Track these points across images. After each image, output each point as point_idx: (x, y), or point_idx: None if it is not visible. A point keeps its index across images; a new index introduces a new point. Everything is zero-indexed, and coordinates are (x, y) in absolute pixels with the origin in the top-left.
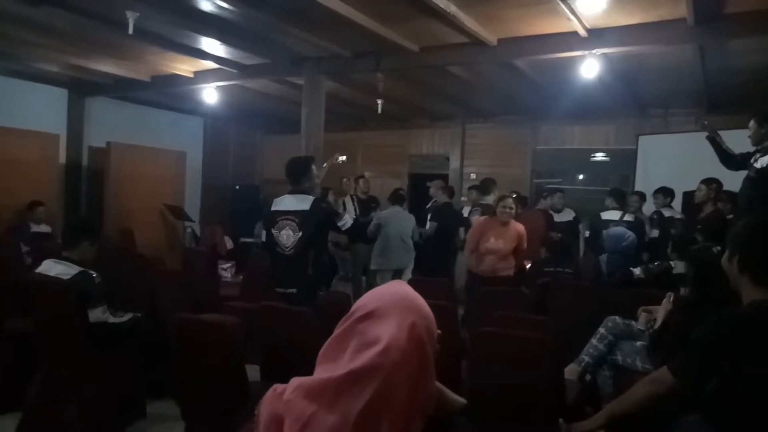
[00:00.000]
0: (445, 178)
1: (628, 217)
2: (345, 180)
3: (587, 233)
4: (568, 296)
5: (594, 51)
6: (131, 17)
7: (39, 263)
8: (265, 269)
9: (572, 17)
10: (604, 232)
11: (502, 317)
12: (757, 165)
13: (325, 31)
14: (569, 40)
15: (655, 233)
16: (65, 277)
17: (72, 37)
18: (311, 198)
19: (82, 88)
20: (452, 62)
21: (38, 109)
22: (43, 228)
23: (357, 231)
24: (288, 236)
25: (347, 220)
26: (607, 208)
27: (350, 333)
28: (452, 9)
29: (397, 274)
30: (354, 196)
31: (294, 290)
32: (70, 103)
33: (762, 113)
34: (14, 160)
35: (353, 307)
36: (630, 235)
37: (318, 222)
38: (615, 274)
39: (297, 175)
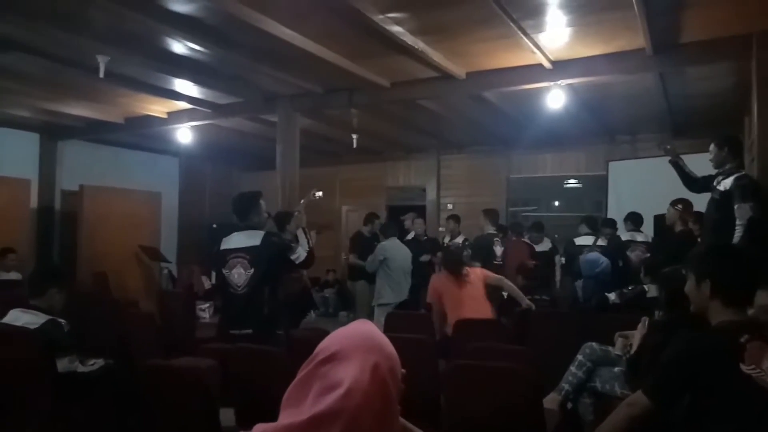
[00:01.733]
0: (422, 209)
1: (601, 242)
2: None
3: (563, 260)
4: (547, 324)
5: (559, 82)
6: (102, 61)
7: (5, 313)
8: None
9: (536, 50)
10: (580, 257)
11: (479, 348)
12: (721, 188)
13: (297, 70)
14: (535, 72)
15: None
16: (33, 327)
17: (43, 81)
18: (261, 233)
19: (54, 132)
20: (423, 96)
21: (9, 154)
22: (13, 275)
23: (310, 263)
24: (239, 274)
25: (300, 253)
26: (580, 234)
27: (312, 376)
28: (420, 45)
29: (399, 307)
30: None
31: (249, 330)
32: (41, 148)
33: (721, 137)
34: None
35: (316, 349)
36: (604, 260)
37: (270, 257)
38: (591, 299)
39: (245, 211)
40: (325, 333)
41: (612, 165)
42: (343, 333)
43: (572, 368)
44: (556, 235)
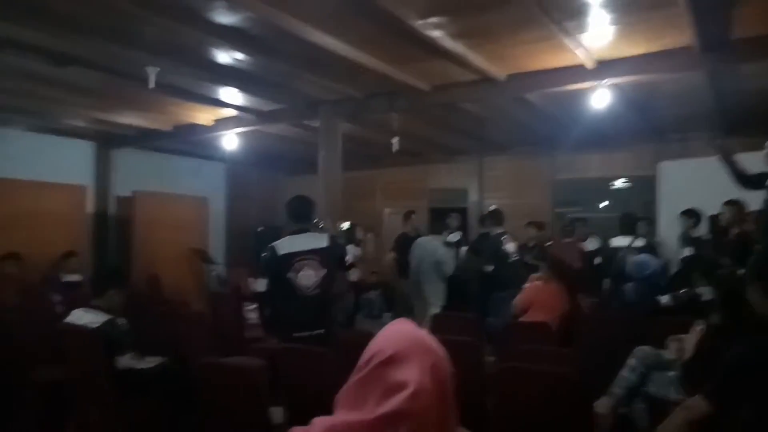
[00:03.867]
0: (464, 211)
1: (638, 242)
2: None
3: (598, 260)
4: (595, 327)
5: (603, 82)
6: (152, 72)
7: (70, 312)
8: None
9: (579, 51)
10: (629, 259)
11: (527, 351)
12: None
13: (338, 76)
14: (578, 72)
15: (688, 251)
16: (94, 326)
17: (97, 93)
18: (325, 235)
19: (108, 141)
20: (464, 99)
21: (67, 162)
22: (75, 277)
23: (351, 266)
24: (308, 276)
25: (350, 257)
26: (618, 235)
27: (372, 378)
28: (460, 49)
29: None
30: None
31: (322, 330)
32: (97, 155)
33: None
34: (45, 213)
35: (370, 351)
36: (654, 262)
37: (337, 258)
38: (641, 302)
39: (307, 214)
40: (371, 335)
41: (661, 165)
42: (394, 334)
43: (624, 372)
44: (596, 237)
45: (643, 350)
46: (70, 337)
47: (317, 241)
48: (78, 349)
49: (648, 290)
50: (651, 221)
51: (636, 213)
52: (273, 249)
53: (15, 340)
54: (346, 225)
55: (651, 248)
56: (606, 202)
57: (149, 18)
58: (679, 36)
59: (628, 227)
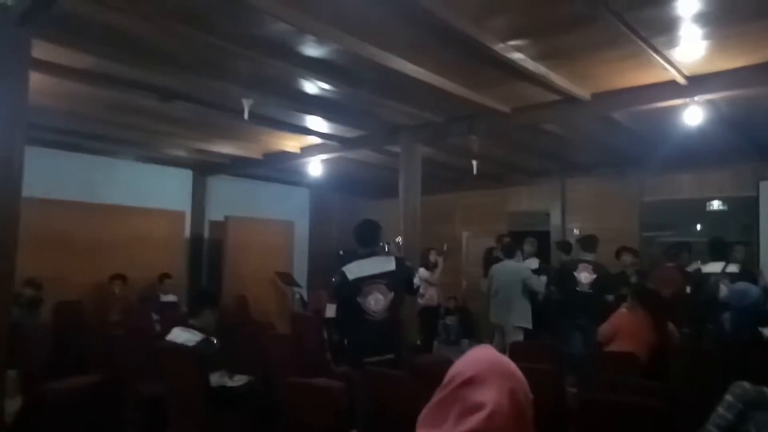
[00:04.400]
0: (546, 234)
1: (731, 268)
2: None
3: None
4: (688, 359)
5: (696, 98)
6: (246, 104)
7: (167, 331)
8: None
9: (669, 67)
10: (730, 287)
11: (613, 383)
12: None
13: (419, 101)
14: (668, 89)
15: None
16: (190, 344)
17: (197, 124)
18: (392, 258)
19: (204, 168)
20: (546, 120)
21: (168, 189)
22: (170, 298)
23: (419, 290)
24: (377, 300)
25: (417, 280)
26: (708, 261)
27: (452, 398)
28: (541, 70)
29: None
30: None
31: (392, 355)
32: (194, 182)
33: None
34: (147, 237)
35: (450, 374)
36: (755, 290)
37: (404, 281)
38: (741, 333)
39: (374, 238)
40: (449, 360)
41: (764, 185)
42: (475, 358)
43: (720, 410)
44: (699, 261)
45: (743, 386)
46: (170, 354)
47: (385, 264)
48: (176, 366)
49: (748, 321)
50: (748, 245)
51: (733, 238)
52: (343, 274)
53: (118, 355)
54: (398, 239)
55: (748, 274)
56: (700, 226)
57: (244, 54)
58: None
59: (718, 252)
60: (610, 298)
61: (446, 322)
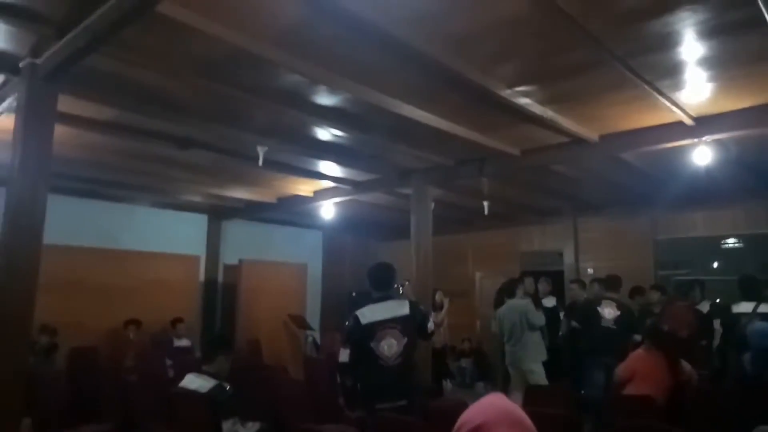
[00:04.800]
0: (559, 274)
1: (763, 308)
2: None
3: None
4: (708, 401)
5: (704, 138)
6: (261, 151)
7: (180, 376)
8: None
9: (675, 109)
10: (748, 327)
11: (629, 427)
12: None
13: (429, 145)
14: (675, 130)
15: None
16: (203, 390)
17: (212, 171)
18: (406, 302)
19: (219, 213)
20: (555, 162)
21: (184, 234)
22: (184, 342)
23: (433, 335)
24: (391, 345)
25: (431, 324)
26: (740, 300)
27: None
28: (549, 114)
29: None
30: None
31: (404, 402)
32: (209, 227)
33: None
34: (162, 281)
35: (459, 422)
36: None
37: (419, 325)
38: (762, 374)
39: (389, 281)
40: (463, 404)
41: None
42: (484, 405)
43: None
44: (718, 300)
45: (764, 430)
46: (183, 400)
47: (399, 308)
48: (189, 412)
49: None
50: None
51: (756, 275)
52: (356, 318)
53: (132, 402)
54: (407, 282)
55: None
56: (717, 264)
57: (260, 103)
58: None
59: (750, 291)
60: (638, 337)
61: (461, 365)
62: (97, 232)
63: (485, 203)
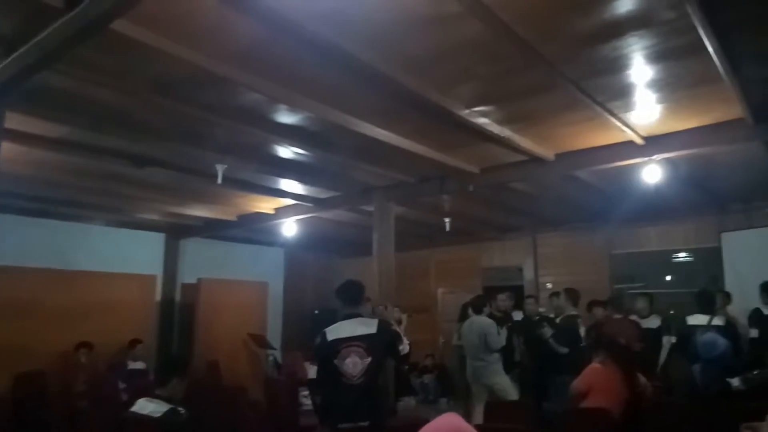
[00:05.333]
0: (519, 288)
1: (717, 321)
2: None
3: (673, 340)
4: (659, 413)
5: (654, 157)
6: (220, 169)
7: (134, 400)
8: None
9: (626, 129)
10: (697, 339)
11: None
12: None
13: (391, 163)
14: (627, 148)
15: (754, 333)
16: (156, 415)
17: (170, 189)
18: (375, 321)
19: (177, 231)
20: (513, 179)
21: (140, 253)
22: (139, 365)
23: (408, 357)
24: (355, 364)
25: (405, 345)
26: (694, 312)
27: None
28: (507, 133)
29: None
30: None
31: (366, 423)
32: (166, 246)
33: None
34: (116, 302)
35: None
36: (722, 342)
37: (386, 346)
38: (710, 385)
39: (357, 299)
40: (424, 420)
41: (725, 236)
42: (436, 427)
43: None
44: (672, 312)
45: None
46: (134, 426)
47: (366, 327)
48: None
49: (717, 372)
50: (728, 294)
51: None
52: (324, 334)
53: (81, 428)
54: (387, 306)
55: (730, 327)
56: (669, 277)
57: (219, 122)
58: (730, 109)
59: (706, 305)
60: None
61: (424, 381)
62: (49, 252)
63: (447, 220)
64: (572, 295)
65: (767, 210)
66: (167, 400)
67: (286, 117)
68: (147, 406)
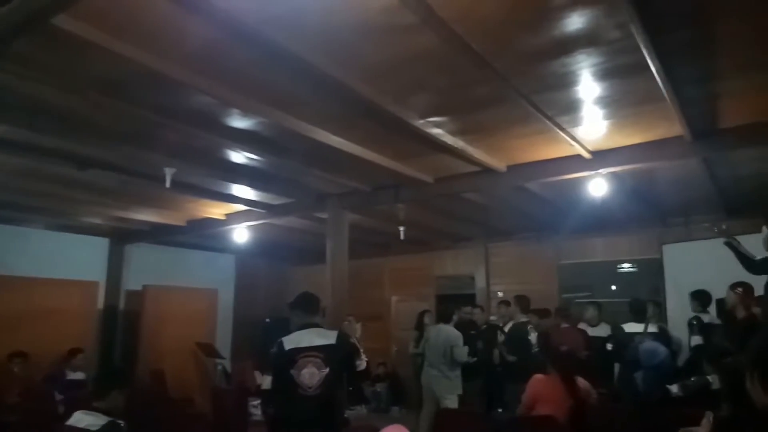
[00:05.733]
0: (472, 297)
1: (651, 328)
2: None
3: (609, 346)
4: (604, 419)
5: (600, 171)
6: (168, 173)
7: (71, 413)
8: None
9: (574, 143)
10: (640, 347)
11: None
12: None
13: (345, 171)
14: (574, 162)
15: (697, 340)
16: (93, 429)
17: (114, 192)
18: (335, 332)
19: (122, 236)
20: (466, 190)
21: (81, 258)
22: (78, 375)
23: (367, 375)
24: (311, 375)
25: (363, 362)
26: (629, 320)
27: None
28: (460, 144)
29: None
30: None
31: None
32: (110, 251)
33: None
34: (55, 309)
35: None
36: (663, 350)
37: (343, 358)
38: (652, 392)
39: (313, 309)
40: (375, 431)
41: (666, 248)
42: None
43: None
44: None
45: None
46: None
47: (325, 338)
48: None
49: (658, 379)
50: (658, 304)
51: (643, 297)
52: (281, 343)
53: None
54: (350, 318)
55: (664, 334)
56: (614, 286)
57: (167, 124)
58: (671, 127)
59: (639, 313)
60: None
61: (376, 389)
62: None
63: (401, 228)
64: (522, 302)
65: (705, 224)
66: (106, 412)
67: (238, 121)
68: (84, 419)
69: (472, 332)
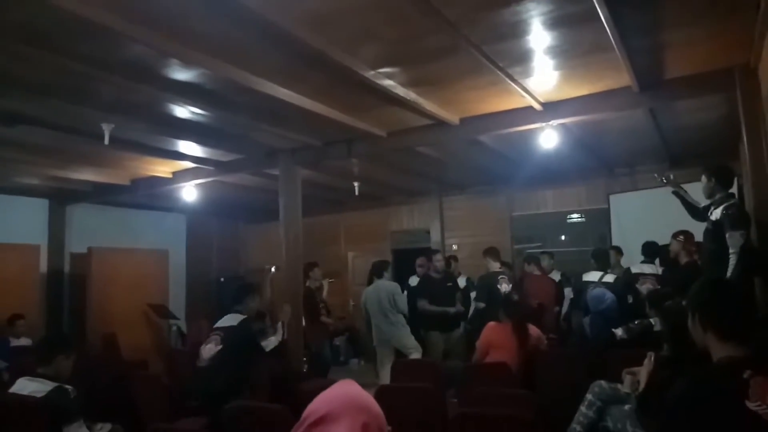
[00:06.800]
0: (427, 251)
1: (607, 278)
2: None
3: (571, 295)
4: (555, 364)
5: (550, 122)
6: (106, 129)
7: (15, 381)
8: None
9: (525, 94)
10: (588, 293)
11: (485, 394)
12: (713, 217)
13: (296, 125)
14: (526, 114)
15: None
16: (39, 395)
17: (50, 150)
18: (242, 317)
19: (62, 197)
20: (419, 143)
21: (19, 221)
22: (23, 341)
23: (281, 353)
24: (209, 349)
25: (271, 342)
26: (590, 269)
27: None
28: (412, 96)
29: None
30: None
31: (197, 403)
32: (50, 213)
33: (709, 167)
34: None
35: (305, 412)
36: (609, 296)
37: (239, 339)
38: (598, 335)
39: (239, 298)
40: (331, 383)
41: (613, 198)
42: (330, 395)
43: (582, 408)
44: (564, 272)
45: (600, 385)
46: (13, 407)
47: (231, 320)
48: (22, 421)
49: (604, 323)
50: (619, 250)
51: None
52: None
53: None
54: (273, 268)
55: (619, 282)
56: (563, 237)
57: (101, 76)
58: (619, 77)
59: (601, 261)
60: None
61: (335, 343)
62: None
63: (356, 184)
64: (494, 253)
65: (650, 174)
66: (53, 378)
67: (178, 73)
68: (28, 386)
69: (449, 284)
